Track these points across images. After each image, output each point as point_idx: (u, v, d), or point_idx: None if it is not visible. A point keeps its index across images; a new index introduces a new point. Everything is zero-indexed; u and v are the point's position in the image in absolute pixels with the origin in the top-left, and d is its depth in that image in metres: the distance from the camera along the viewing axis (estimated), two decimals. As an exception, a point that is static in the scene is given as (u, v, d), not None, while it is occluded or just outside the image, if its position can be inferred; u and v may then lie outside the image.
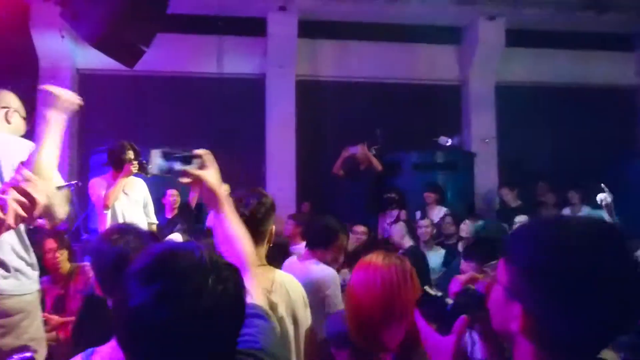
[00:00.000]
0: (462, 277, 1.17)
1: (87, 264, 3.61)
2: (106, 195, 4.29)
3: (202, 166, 1.48)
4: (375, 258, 1.62)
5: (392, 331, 1.48)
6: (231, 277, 0.96)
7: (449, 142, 7.61)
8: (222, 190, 1.51)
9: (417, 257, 4.43)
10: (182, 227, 4.61)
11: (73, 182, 5.53)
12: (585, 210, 6.72)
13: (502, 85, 8.37)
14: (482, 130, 8.31)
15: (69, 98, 2.02)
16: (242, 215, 1.73)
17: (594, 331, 0.90)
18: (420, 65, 8.35)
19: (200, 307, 0.89)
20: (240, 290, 0.98)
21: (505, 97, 8.29)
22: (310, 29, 7.86)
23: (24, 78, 7.18)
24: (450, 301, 1.13)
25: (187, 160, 1.47)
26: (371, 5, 7.63)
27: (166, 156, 1.47)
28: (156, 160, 1.47)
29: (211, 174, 1.48)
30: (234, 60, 7.80)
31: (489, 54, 8.23)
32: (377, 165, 6.76)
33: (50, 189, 1.86)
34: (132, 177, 4.47)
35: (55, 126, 1.92)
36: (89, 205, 5.92)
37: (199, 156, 1.48)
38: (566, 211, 6.82)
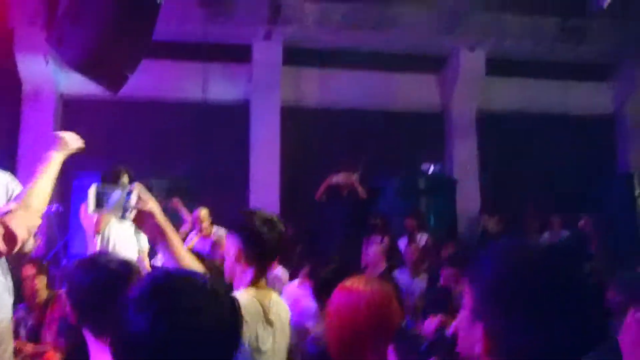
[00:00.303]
0: (436, 320, 1.21)
1: (63, 291, 3.54)
2: (98, 220, 4.23)
3: (141, 199, 1.46)
4: (358, 283, 1.63)
5: (378, 354, 1.49)
6: (227, 302, 0.97)
7: (432, 168, 7.71)
8: (166, 219, 1.49)
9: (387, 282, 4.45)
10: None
11: (53, 206, 5.49)
12: (565, 235, 6.83)
13: (484, 113, 8.54)
14: (464, 157, 8.43)
15: (73, 141, 2.11)
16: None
17: (552, 351, 0.92)
18: (403, 93, 8.49)
19: (195, 327, 0.90)
20: (235, 315, 0.99)
21: (486, 124, 8.46)
22: (295, 56, 7.96)
23: (7, 101, 7.19)
24: (425, 340, 1.15)
25: (127, 194, 1.45)
26: (354, 34, 7.78)
27: (105, 191, 1.46)
28: (96, 197, 1.45)
29: (156, 205, 1.47)
30: (218, 86, 7.86)
31: (470, 82, 8.41)
32: (362, 192, 6.81)
33: (37, 223, 1.86)
34: None
35: (54, 165, 1.98)
36: (70, 230, 5.84)
37: (134, 189, 1.46)
38: (545, 236, 6.90)
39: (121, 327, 0.92)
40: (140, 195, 1.46)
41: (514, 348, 0.93)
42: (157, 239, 1.51)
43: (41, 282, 3.62)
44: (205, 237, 5.71)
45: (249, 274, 1.98)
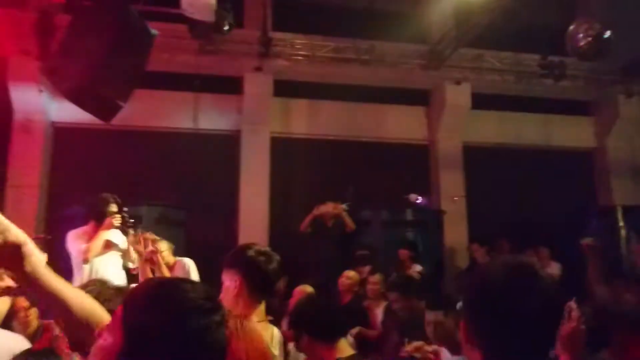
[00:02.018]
0: (410, 347, 1.40)
1: (52, 321, 3.51)
2: (86, 248, 4.23)
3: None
4: None
5: None
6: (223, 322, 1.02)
7: (419, 199, 7.81)
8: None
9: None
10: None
11: (42, 236, 5.48)
12: (554, 266, 6.92)
13: (470, 146, 8.72)
14: (450, 188, 8.56)
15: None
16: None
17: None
18: (390, 125, 8.67)
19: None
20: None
21: (472, 157, 8.63)
22: (284, 88, 8.13)
23: (-2, 130, 7.21)
24: None
25: None
26: (342, 68, 7.97)
27: None
28: None
29: (15, 230, 1.17)
30: (209, 116, 7.98)
31: (456, 116, 8.61)
32: (350, 223, 6.85)
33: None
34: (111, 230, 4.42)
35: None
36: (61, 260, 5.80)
37: None
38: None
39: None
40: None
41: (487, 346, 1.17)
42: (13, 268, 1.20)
43: (33, 314, 3.57)
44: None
45: (251, 307, 2.02)
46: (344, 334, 2.40)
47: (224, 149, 8.10)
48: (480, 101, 8.56)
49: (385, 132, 8.64)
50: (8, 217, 1.51)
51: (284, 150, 8.22)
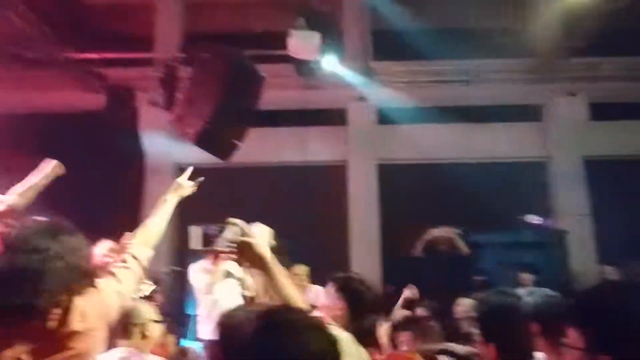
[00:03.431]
0: None
1: (189, 346, 3.80)
2: (203, 289, 4.51)
3: (242, 234, 1.60)
4: None
5: None
6: (329, 337, 1.16)
7: (538, 220, 7.40)
8: (267, 251, 1.62)
9: None
10: None
11: (173, 268, 6.00)
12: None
13: (591, 160, 8.13)
14: (571, 207, 8.01)
15: (187, 186, 2.43)
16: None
17: None
18: (500, 144, 8.36)
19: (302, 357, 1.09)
20: (335, 348, 1.15)
21: (594, 171, 8.02)
22: (389, 115, 8.21)
23: (133, 172, 8.08)
24: None
25: (225, 231, 1.59)
26: (446, 90, 7.90)
27: (204, 230, 1.64)
28: (195, 236, 1.65)
29: (254, 238, 1.61)
30: (317, 148, 8.28)
31: (572, 129, 8.11)
32: (463, 248, 6.67)
33: (149, 254, 2.07)
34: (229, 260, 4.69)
35: (169, 205, 2.25)
36: (188, 291, 6.29)
37: (234, 224, 1.61)
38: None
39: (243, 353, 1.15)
40: (241, 229, 1.62)
41: None
42: (257, 269, 1.64)
43: (170, 340, 3.90)
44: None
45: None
46: None
47: (333, 180, 8.32)
48: (598, 112, 7.99)
49: (496, 151, 8.35)
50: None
51: (391, 177, 8.25)
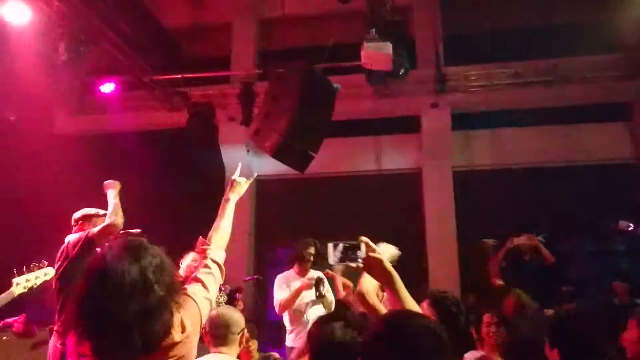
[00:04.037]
0: None
1: (272, 353, 3.91)
2: (282, 304, 4.61)
3: (369, 250, 1.75)
4: None
5: None
6: (447, 343, 1.30)
7: (631, 226, 6.92)
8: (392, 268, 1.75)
9: None
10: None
11: (255, 276, 6.19)
12: None
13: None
14: (669, 211, 7.41)
15: (243, 184, 2.52)
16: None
17: None
18: (587, 145, 7.92)
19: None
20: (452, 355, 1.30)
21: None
22: (464, 120, 8.04)
23: (214, 186, 8.44)
24: None
25: (357, 247, 1.75)
26: (525, 92, 7.62)
27: (340, 247, 1.77)
28: (333, 252, 1.77)
29: (382, 256, 1.75)
30: (391, 157, 8.26)
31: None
32: (548, 256, 6.34)
33: (224, 256, 2.13)
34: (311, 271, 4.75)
35: (231, 205, 2.35)
36: (268, 298, 6.47)
37: (362, 242, 1.76)
38: None
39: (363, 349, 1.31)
40: (368, 246, 1.76)
41: None
42: (384, 284, 1.78)
43: (254, 345, 4.04)
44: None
45: None
46: None
47: (408, 187, 8.25)
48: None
49: (582, 153, 7.91)
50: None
51: (467, 184, 8.05)
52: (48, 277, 3.28)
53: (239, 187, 2.46)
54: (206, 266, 1.98)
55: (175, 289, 1.59)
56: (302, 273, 4.70)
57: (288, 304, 4.59)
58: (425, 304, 2.38)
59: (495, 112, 8.10)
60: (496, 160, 8.21)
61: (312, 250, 4.72)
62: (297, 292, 4.57)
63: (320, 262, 4.70)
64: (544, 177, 7.92)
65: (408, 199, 8.20)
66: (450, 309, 2.38)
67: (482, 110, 8.14)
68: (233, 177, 2.48)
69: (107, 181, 3.96)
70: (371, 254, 1.74)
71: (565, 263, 6.69)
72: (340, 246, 1.77)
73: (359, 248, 1.75)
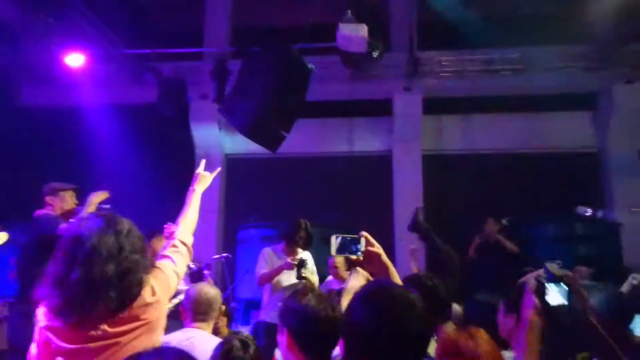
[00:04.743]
0: None
1: (241, 330, 3.96)
2: (261, 277, 4.65)
3: (369, 244, 1.91)
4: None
5: None
6: (423, 312, 1.41)
7: (589, 212, 7.18)
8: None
9: None
10: None
11: (224, 255, 6.21)
12: None
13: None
14: (627, 199, 7.72)
15: (208, 177, 2.60)
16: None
17: None
18: (552, 133, 8.14)
19: (400, 325, 1.34)
20: (427, 322, 1.41)
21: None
22: (435, 105, 8.14)
23: (183, 163, 8.36)
24: None
25: (357, 240, 1.91)
26: (494, 80, 7.75)
27: (342, 239, 1.92)
28: (336, 243, 1.92)
29: (380, 250, 1.91)
30: (363, 139, 8.32)
31: (629, 118, 7.79)
32: (512, 247, 6.51)
33: (191, 240, 2.26)
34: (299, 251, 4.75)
35: (197, 196, 2.46)
36: (237, 276, 6.51)
37: (363, 236, 1.91)
38: None
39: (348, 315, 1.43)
40: (368, 240, 1.91)
41: None
42: (381, 276, 1.91)
43: (222, 322, 4.08)
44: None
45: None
46: None
47: (378, 170, 8.34)
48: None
49: (548, 141, 8.13)
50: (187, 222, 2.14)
51: (437, 167, 8.19)
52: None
53: (205, 180, 2.56)
54: (174, 245, 2.09)
55: (144, 253, 1.79)
56: (289, 253, 4.71)
57: (267, 278, 4.65)
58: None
59: (466, 97, 8.23)
60: (465, 146, 8.36)
61: (302, 234, 4.73)
62: (277, 271, 4.62)
63: (310, 242, 4.76)
64: (512, 163, 8.12)
65: (378, 181, 8.30)
66: (426, 283, 2.50)
67: (453, 96, 8.26)
68: (197, 171, 2.58)
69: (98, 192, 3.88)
70: (370, 248, 1.88)
71: (530, 247, 6.91)
72: (342, 239, 1.91)
73: (359, 241, 1.90)
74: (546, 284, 1.77)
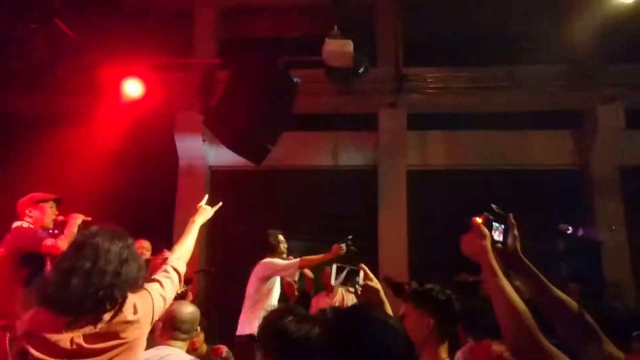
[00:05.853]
0: None
1: (220, 345, 3.90)
2: (303, 259, 4.74)
3: (367, 278, 1.96)
4: None
5: None
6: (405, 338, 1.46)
7: (570, 229, 7.26)
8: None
9: None
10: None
11: (208, 268, 6.13)
12: None
13: (627, 169, 7.93)
14: (607, 216, 7.81)
15: (209, 211, 2.74)
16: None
17: None
18: (535, 152, 8.23)
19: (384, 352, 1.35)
20: (411, 348, 1.49)
21: (631, 181, 7.82)
22: (420, 121, 8.19)
23: (166, 176, 8.27)
24: None
25: (356, 272, 1.95)
26: (480, 97, 7.83)
27: (341, 270, 1.96)
28: (336, 273, 1.98)
29: (378, 285, 1.96)
30: (348, 153, 8.32)
31: (610, 137, 7.91)
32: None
33: (184, 269, 2.29)
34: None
35: (195, 227, 2.57)
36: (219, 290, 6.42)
37: (361, 269, 1.96)
38: None
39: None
40: (366, 274, 1.95)
41: None
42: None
43: (199, 338, 4.01)
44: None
45: (441, 344, 2.11)
46: None
47: (363, 184, 8.34)
48: (637, 120, 7.78)
49: (530, 158, 8.21)
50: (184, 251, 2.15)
51: (421, 183, 8.22)
52: None
53: (205, 213, 2.70)
54: (166, 271, 2.13)
55: (141, 267, 1.90)
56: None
57: (310, 262, 4.77)
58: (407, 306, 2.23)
59: (451, 114, 8.29)
60: (450, 161, 8.40)
61: (282, 240, 4.77)
62: (324, 258, 4.76)
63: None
64: (494, 179, 8.17)
65: (363, 195, 8.29)
66: (438, 297, 2.22)
67: (438, 112, 8.32)
68: (200, 205, 2.73)
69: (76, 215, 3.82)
70: (369, 282, 1.94)
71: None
72: (342, 269, 1.96)
73: (358, 274, 1.95)
74: (493, 221, 1.76)
